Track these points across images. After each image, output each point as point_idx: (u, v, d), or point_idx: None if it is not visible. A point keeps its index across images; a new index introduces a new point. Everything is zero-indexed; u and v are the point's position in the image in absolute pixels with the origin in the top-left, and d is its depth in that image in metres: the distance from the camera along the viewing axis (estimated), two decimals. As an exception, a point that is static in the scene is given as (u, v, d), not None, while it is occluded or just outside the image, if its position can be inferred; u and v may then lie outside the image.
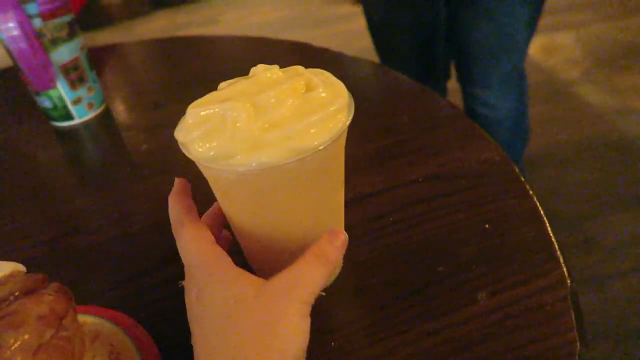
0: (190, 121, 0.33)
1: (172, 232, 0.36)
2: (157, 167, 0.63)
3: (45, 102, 0.71)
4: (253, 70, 0.37)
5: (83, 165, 0.71)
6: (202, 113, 0.32)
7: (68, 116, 0.73)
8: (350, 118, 0.33)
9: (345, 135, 0.35)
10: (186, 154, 0.33)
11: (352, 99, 0.34)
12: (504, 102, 1.18)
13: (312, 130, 0.31)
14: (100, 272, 0.49)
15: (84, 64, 0.72)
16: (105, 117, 0.76)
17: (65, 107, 0.72)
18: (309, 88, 0.34)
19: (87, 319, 0.40)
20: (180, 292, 0.45)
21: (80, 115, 0.74)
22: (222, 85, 0.37)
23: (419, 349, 0.37)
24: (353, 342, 0.38)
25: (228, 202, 0.36)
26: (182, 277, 0.45)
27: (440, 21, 1.16)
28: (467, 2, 1.06)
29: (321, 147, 0.31)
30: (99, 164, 0.69)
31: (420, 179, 0.52)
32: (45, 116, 0.75)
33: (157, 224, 0.53)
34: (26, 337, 0.29)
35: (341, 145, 0.35)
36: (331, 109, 0.32)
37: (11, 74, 0.96)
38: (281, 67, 0.36)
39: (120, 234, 0.53)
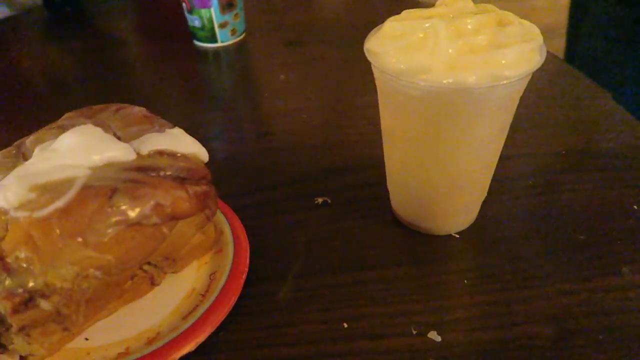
0: (388, 33, 0.34)
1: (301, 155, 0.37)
2: (292, 97, 0.66)
3: (195, 21, 0.76)
4: (441, 1, 0.37)
5: (222, 84, 0.75)
6: (403, 27, 0.33)
7: (212, 38, 0.77)
8: (542, 61, 0.33)
9: (528, 79, 0.34)
10: (375, 63, 0.34)
11: (544, 45, 0.34)
12: None
13: (503, 61, 0.32)
14: (234, 178, 0.52)
15: (237, -10, 0.75)
16: (244, 46, 0.80)
17: (212, 28, 0.76)
18: (502, 23, 0.34)
19: None
20: (310, 207, 0.47)
21: (223, 39, 0.78)
22: (405, 12, 0.37)
23: (553, 305, 0.36)
24: (484, 284, 0.39)
25: (398, 121, 0.37)
26: (312, 195, 0.48)
27: None
28: None
29: (514, 79, 0.31)
30: (238, 85, 0.73)
31: (563, 152, 0.51)
32: (192, 35, 0.79)
33: (291, 144, 0.56)
34: (134, 209, 0.30)
35: (522, 88, 0.35)
36: (525, 46, 0.32)
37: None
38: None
39: (256, 148, 0.56)
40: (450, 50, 0.31)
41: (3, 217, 0.29)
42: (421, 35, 0.32)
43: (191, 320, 0.34)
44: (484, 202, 0.43)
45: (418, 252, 0.42)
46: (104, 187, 0.29)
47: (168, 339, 0.33)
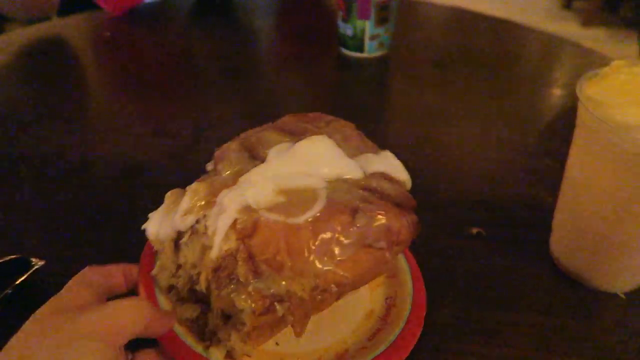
0: (615, 84, 0.33)
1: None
2: (441, 121, 0.66)
3: (348, 30, 0.78)
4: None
5: (360, 92, 0.77)
6: (634, 80, 0.33)
7: (360, 48, 0.79)
8: None
9: None
10: (595, 112, 0.34)
11: None
12: None
13: None
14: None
15: (393, 6, 0.77)
16: (388, 59, 0.82)
17: (362, 39, 0.78)
18: None
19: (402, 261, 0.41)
20: (464, 236, 0.47)
21: (369, 51, 0.79)
22: (623, 63, 0.36)
23: None
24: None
25: (598, 174, 0.36)
26: (467, 224, 0.47)
27: None
28: None
29: None
30: (383, 98, 0.75)
31: None
32: (340, 42, 0.82)
33: (443, 168, 0.57)
34: (370, 230, 0.31)
35: None
36: None
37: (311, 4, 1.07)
38: None
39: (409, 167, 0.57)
40: (688, 113, 0.31)
41: (253, 215, 0.30)
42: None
43: (380, 345, 0.34)
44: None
45: (581, 305, 0.41)
46: (347, 205, 0.30)
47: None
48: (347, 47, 0.81)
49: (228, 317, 0.31)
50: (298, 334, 0.31)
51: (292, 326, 0.31)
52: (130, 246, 0.39)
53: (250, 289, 0.29)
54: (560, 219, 0.43)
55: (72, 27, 0.97)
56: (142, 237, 0.38)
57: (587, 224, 0.39)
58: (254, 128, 0.40)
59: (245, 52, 0.88)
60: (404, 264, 0.40)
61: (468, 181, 0.54)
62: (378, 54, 0.80)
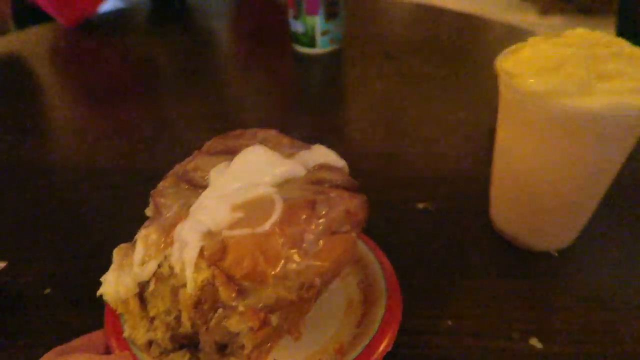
0: (525, 56, 0.36)
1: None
2: (390, 107, 0.69)
3: (298, 27, 0.81)
4: (572, 31, 0.39)
5: (315, 86, 0.79)
6: (541, 51, 0.36)
7: (312, 44, 0.82)
8: None
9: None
10: (509, 83, 0.37)
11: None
12: None
13: (633, 91, 0.33)
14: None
15: (342, 1, 0.79)
16: (341, 53, 0.84)
17: (313, 35, 0.80)
18: (634, 55, 0.36)
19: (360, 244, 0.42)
20: (412, 211, 0.50)
21: (322, 46, 0.82)
22: (538, 38, 0.40)
23: (654, 330, 0.38)
24: (586, 302, 0.40)
25: (519, 139, 0.39)
26: (414, 200, 0.50)
27: None
28: None
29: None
30: (337, 91, 0.77)
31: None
32: (293, 39, 0.84)
33: (391, 151, 0.59)
34: (332, 217, 0.32)
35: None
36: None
37: (265, 4, 1.09)
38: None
39: (357, 152, 0.60)
40: (588, 78, 0.34)
41: (218, 238, 0.30)
42: (559, 62, 0.34)
43: (372, 327, 0.35)
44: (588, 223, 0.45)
45: (519, 265, 0.44)
46: (303, 200, 0.31)
47: (360, 345, 0.34)
48: (300, 44, 0.83)
49: (224, 347, 0.31)
50: (297, 338, 0.31)
51: (289, 332, 0.31)
52: (91, 248, 0.39)
53: (241, 308, 0.28)
54: (494, 187, 0.46)
55: (28, 40, 0.97)
56: (101, 238, 0.36)
57: (516, 189, 0.42)
58: (182, 161, 0.39)
59: (201, 54, 0.89)
60: (362, 246, 0.42)
61: (418, 161, 0.57)
62: (330, 49, 0.83)
